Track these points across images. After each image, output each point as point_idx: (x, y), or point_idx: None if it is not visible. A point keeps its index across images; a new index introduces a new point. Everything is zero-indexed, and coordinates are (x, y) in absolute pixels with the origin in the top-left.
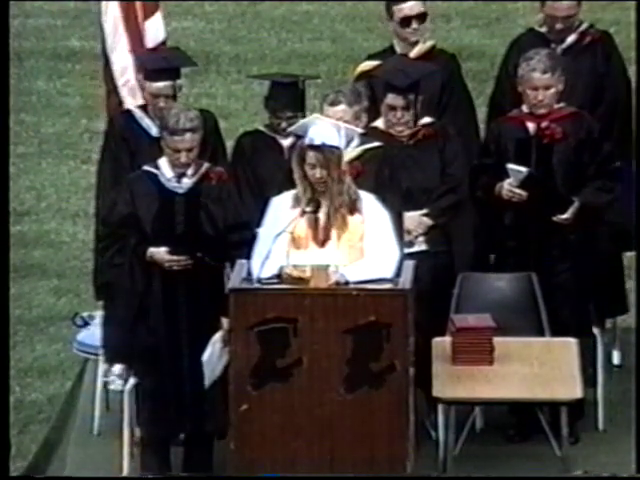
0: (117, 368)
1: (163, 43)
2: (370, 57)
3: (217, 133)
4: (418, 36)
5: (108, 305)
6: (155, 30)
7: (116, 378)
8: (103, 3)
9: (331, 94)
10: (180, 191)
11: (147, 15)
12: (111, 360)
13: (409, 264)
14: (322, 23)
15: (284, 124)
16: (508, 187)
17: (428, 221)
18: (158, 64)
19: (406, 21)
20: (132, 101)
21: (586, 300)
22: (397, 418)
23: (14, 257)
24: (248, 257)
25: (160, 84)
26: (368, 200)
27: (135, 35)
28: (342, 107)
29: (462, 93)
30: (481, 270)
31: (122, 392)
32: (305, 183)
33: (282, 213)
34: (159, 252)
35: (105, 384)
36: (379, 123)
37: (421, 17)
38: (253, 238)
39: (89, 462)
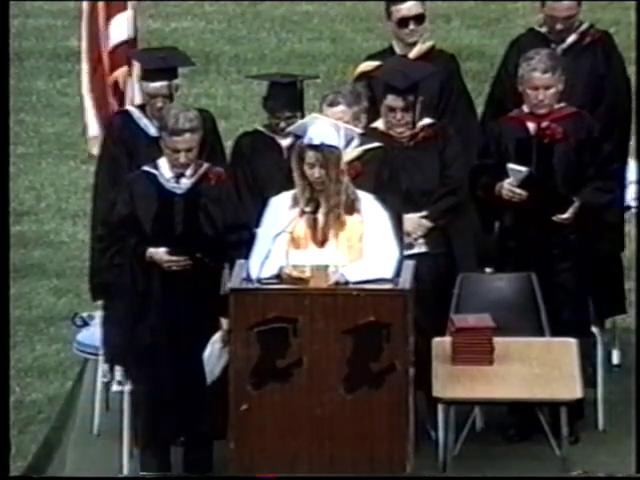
0: (117, 369)
1: (130, 42)
2: (370, 57)
3: (215, 133)
4: (416, 37)
5: (108, 305)
6: (118, 29)
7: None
8: (84, 3)
9: (330, 95)
10: (179, 191)
11: (112, 14)
12: (111, 361)
13: (409, 264)
14: (322, 23)
15: (283, 124)
16: (508, 187)
17: (428, 223)
18: (155, 64)
19: (404, 22)
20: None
21: (586, 300)
22: (397, 418)
23: (14, 257)
24: (247, 257)
25: (157, 84)
26: (367, 200)
27: (93, 36)
28: (341, 108)
29: (461, 94)
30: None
31: (122, 392)
32: (304, 182)
33: (281, 213)
34: (158, 252)
35: (107, 385)
36: (379, 124)
37: (419, 18)
38: (252, 238)
39: (89, 462)
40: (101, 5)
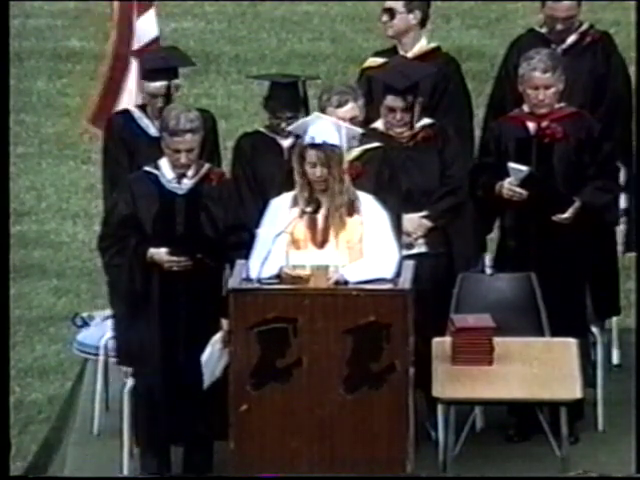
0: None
1: (156, 41)
2: (376, 54)
3: (214, 134)
4: (390, 32)
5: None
6: (145, 28)
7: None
8: (114, 3)
9: (333, 96)
10: (180, 192)
11: (140, 12)
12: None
13: (409, 264)
14: (322, 23)
15: (284, 124)
16: (508, 186)
17: (428, 223)
18: (156, 64)
19: (381, 13)
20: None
21: (584, 300)
22: (397, 418)
23: (14, 257)
24: (247, 258)
25: (157, 84)
26: (367, 201)
27: (124, 34)
28: (351, 105)
29: (455, 96)
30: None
31: (122, 392)
32: (304, 182)
33: (281, 214)
34: (159, 253)
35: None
36: (379, 124)
37: (388, 12)
38: (252, 239)
39: (89, 462)
40: (135, 5)
